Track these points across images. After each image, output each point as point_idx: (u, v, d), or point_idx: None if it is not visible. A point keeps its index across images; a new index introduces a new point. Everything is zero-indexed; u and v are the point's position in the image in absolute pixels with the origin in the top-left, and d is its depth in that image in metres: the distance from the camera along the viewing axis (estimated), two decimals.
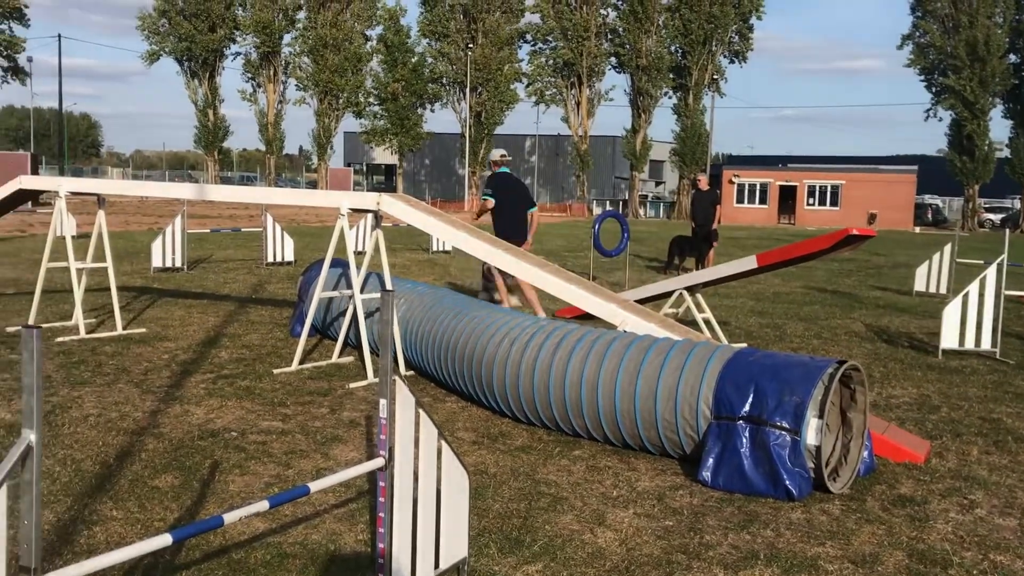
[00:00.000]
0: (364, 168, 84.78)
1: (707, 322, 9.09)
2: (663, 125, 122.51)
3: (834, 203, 53.72)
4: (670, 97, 59.89)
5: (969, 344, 9.07)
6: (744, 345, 9.02)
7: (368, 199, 7.37)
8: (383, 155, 73.90)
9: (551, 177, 75.48)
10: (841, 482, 4.96)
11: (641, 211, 61.53)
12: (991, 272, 8.97)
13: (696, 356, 5.28)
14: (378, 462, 3.34)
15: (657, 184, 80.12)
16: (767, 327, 10.56)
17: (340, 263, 8.41)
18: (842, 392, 5.25)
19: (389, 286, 7.54)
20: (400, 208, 7.25)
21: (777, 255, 8.41)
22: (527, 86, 62.45)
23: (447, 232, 7.06)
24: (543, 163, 75.58)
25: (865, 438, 5.18)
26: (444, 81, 63.46)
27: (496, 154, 10.11)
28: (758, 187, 55.23)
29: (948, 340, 9.08)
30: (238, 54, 62.76)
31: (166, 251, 14.86)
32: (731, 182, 55.10)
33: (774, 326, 10.66)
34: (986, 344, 9.02)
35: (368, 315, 7.79)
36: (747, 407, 4.91)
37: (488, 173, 9.96)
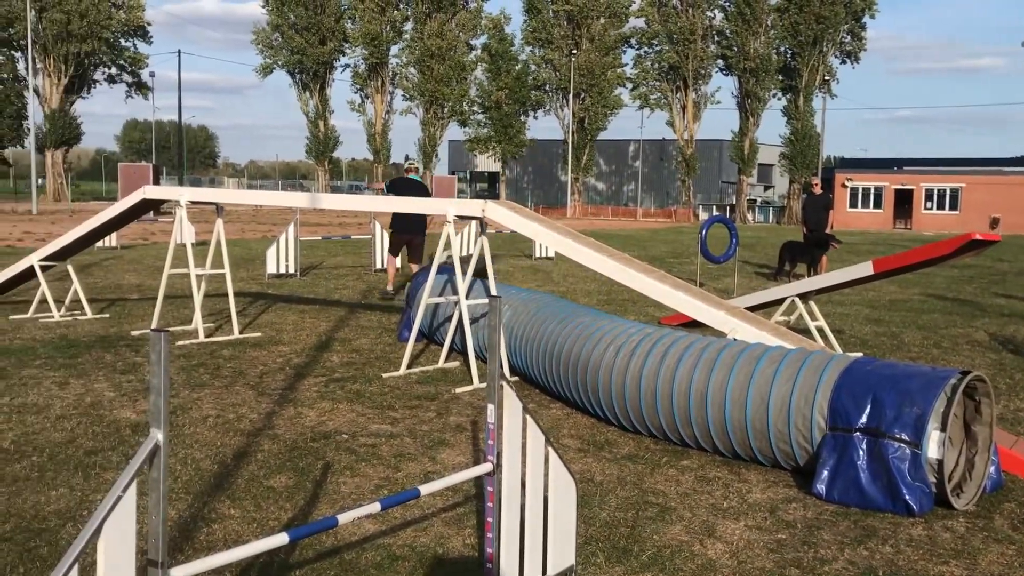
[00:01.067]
0: (468, 176, 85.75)
1: (820, 330, 8.84)
2: (772, 128, 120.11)
3: (953, 207, 51.55)
4: (779, 99, 58.70)
5: None
6: (860, 354, 8.76)
7: (473, 206, 7.44)
8: (486, 162, 74.62)
9: (656, 182, 74.83)
10: (966, 498, 4.74)
11: (749, 216, 60.38)
12: None
13: (811, 365, 5.14)
14: (486, 467, 3.36)
15: (766, 188, 78.47)
16: (883, 336, 10.22)
17: (446, 269, 8.51)
18: (966, 404, 5.02)
19: (494, 292, 7.58)
20: (505, 214, 7.30)
21: (895, 261, 8.12)
22: (631, 91, 62.13)
23: (551, 238, 7.07)
24: (647, 168, 74.99)
25: (991, 453, 4.93)
26: (547, 88, 63.64)
27: (406, 162, 12.97)
28: (872, 191, 53.46)
29: None
30: (347, 66, 64.47)
31: (280, 258, 15.32)
32: (844, 186, 53.50)
33: (891, 335, 10.30)
34: None
35: (473, 321, 7.86)
36: (864, 418, 4.76)
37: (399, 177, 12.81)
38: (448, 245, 7.50)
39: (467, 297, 7.68)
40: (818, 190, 17.05)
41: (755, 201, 65.20)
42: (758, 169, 66.94)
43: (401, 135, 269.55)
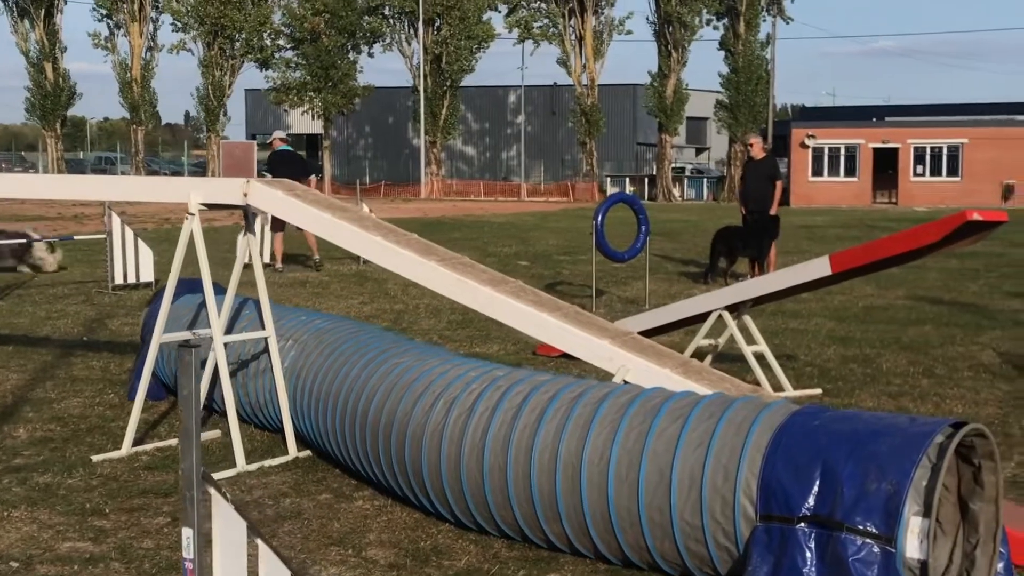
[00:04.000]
0: None
1: (760, 357, 8.91)
2: (704, 67, 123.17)
3: (952, 172, 53.91)
4: (715, 28, 60.09)
5: None
6: (816, 392, 8.76)
7: (229, 188, 7.24)
8: (303, 121, 74.03)
9: (546, 145, 75.70)
10: None
11: (676, 191, 61.71)
12: None
13: (731, 421, 5.05)
14: None
15: (699, 152, 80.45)
16: (852, 362, 10.39)
17: (195, 287, 8.22)
18: (961, 472, 4.96)
19: (267, 319, 7.36)
20: (276, 199, 7.10)
21: (860, 255, 8.26)
22: (507, 15, 62.73)
23: (347, 234, 6.97)
24: (534, 126, 75.79)
25: (999, 542, 4.89)
26: (387, 12, 63.59)
27: (276, 135, 16.58)
28: (843, 152, 55.38)
29: None
30: None
31: None
32: (804, 145, 55.23)
33: (863, 360, 10.47)
34: None
35: (239, 366, 7.72)
36: (811, 500, 4.68)
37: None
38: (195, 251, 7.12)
39: (229, 330, 7.50)
40: (759, 153, 17.31)
41: (683, 170, 66.59)
42: (687, 125, 68.40)
43: (173, 84, 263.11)
